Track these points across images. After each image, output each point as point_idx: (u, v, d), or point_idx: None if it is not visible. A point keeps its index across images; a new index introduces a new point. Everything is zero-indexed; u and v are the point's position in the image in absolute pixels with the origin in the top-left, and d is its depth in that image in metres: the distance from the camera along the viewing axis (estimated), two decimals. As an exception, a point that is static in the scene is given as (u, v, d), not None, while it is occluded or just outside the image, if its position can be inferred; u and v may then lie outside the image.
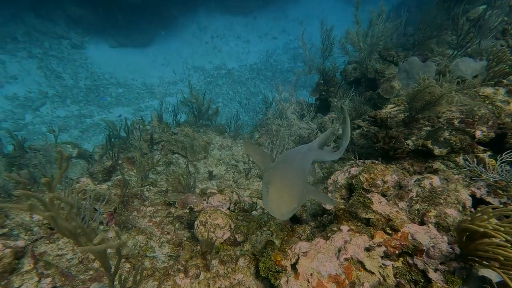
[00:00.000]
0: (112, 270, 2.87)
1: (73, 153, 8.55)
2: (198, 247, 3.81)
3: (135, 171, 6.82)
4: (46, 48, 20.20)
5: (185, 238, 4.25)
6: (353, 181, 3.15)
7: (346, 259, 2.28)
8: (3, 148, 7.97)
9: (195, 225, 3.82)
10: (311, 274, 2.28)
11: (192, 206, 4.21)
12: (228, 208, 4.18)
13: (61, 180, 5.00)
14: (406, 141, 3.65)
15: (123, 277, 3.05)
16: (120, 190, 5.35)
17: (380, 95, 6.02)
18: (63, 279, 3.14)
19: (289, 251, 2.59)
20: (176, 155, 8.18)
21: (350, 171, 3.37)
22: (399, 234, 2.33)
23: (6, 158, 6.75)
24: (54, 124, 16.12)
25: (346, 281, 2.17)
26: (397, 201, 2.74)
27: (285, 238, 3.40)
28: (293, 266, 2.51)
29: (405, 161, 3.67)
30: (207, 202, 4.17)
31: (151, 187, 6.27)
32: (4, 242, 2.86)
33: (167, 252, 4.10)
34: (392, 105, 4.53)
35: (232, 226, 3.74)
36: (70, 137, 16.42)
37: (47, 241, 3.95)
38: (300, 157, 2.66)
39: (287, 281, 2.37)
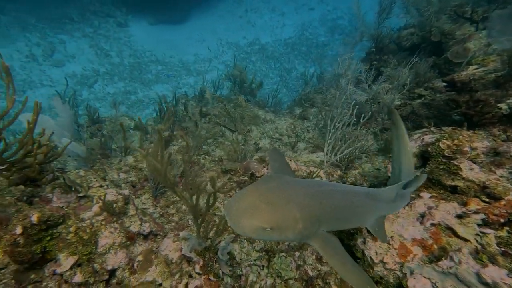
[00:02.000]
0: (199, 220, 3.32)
1: (131, 125, 9.42)
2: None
3: (189, 141, 7.36)
4: (96, 27, 21.48)
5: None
6: (429, 148, 3.09)
7: (433, 225, 2.33)
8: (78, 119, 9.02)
9: (259, 189, 4.15)
10: (391, 237, 2.40)
11: (254, 171, 4.53)
12: None
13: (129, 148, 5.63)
14: (499, 105, 3.36)
15: (203, 229, 3.51)
16: (183, 156, 5.89)
17: (448, 60, 5.50)
18: (156, 226, 3.70)
19: None
20: (223, 128, 8.56)
21: (423, 138, 3.29)
22: (503, 202, 2.29)
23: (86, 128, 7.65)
24: (105, 100, 17.60)
25: (435, 246, 2.24)
26: (493, 168, 2.65)
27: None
28: (370, 229, 2.66)
29: (494, 127, 3.39)
30: (267, 169, 4.45)
31: (206, 156, 6.77)
32: (117, 190, 3.43)
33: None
34: (475, 66, 4.16)
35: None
36: (118, 112, 17.85)
37: (133, 196, 4.59)
38: (347, 192, 1.98)
39: (364, 242, 2.54)
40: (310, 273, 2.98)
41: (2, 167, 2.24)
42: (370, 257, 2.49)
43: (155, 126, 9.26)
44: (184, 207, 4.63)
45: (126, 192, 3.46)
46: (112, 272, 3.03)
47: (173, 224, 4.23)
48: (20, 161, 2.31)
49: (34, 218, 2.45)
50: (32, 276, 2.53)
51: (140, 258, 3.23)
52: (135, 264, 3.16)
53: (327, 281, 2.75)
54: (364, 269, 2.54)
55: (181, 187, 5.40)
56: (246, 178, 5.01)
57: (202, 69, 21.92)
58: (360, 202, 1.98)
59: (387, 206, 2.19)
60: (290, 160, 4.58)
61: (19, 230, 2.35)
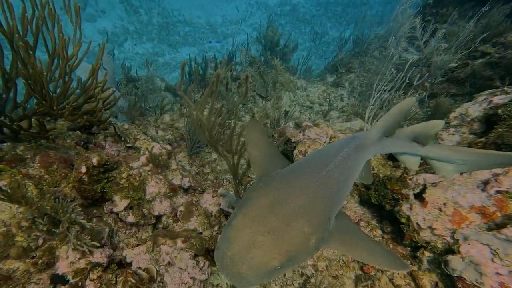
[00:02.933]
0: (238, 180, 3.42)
1: (162, 86, 9.53)
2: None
3: (221, 104, 7.38)
4: (125, -20, 20.89)
5: (279, 167, 4.69)
6: (499, 111, 2.78)
7: (498, 192, 2.23)
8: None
9: (294, 154, 4.12)
10: (444, 204, 2.32)
11: (289, 136, 4.50)
12: (324, 142, 4.34)
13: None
14: None
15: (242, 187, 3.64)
16: (215, 118, 5.96)
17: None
18: (194, 181, 3.89)
19: (409, 181, 2.67)
20: (254, 92, 8.40)
21: (491, 100, 2.97)
22: None
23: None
24: (134, 60, 17.75)
25: (498, 213, 2.16)
26: None
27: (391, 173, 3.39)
28: (418, 195, 2.59)
29: None
30: (303, 134, 4.38)
31: (237, 121, 6.81)
32: (161, 144, 3.59)
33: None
34: None
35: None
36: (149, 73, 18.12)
37: (175, 151, 4.77)
38: (338, 160, 1.67)
39: (410, 208, 2.51)
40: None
41: (67, 111, 2.37)
42: (417, 223, 2.47)
43: (183, 89, 9.29)
44: (218, 167, 4.78)
45: (169, 147, 3.60)
46: (158, 218, 3.29)
47: (209, 182, 4.42)
48: (82, 105, 2.43)
49: (95, 160, 2.64)
50: (94, 211, 2.81)
51: (182, 208, 3.46)
52: (178, 213, 3.40)
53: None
54: (408, 234, 2.54)
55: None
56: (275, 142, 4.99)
57: (229, 32, 21.05)
58: (352, 162, 1.77)
59: (374, 149, 1.99)
60: (328, 127, 4.44)
61: (83, 169, 2.56)
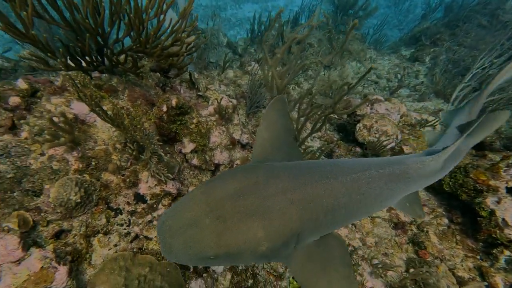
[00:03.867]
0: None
1: (223, 42, 9.50)
2: (357, 149, 4.00)
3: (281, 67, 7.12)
4: None
5: (335, 139, 4.53)
6: None
7: None
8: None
9: (357, 128, 3.89)
10: None
11: (356, 110, 4.22)
12: (395, 119, 3.98)
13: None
14: None
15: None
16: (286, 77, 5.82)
17: None
18: (252, 139, 3.99)
19: (503, 173, 2.33)
20: (318, 60, 7.86)
21: None
22: None
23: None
24: (196, 11, 17.77)
25: None
26: None
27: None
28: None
29: None
30: (370, 108, 4.06)
31: (296, 87, 6.57)
32: (228, 97, 3.70)
33: (319, 146, 4.55)
34: None
35: (399, 137, 3.62)
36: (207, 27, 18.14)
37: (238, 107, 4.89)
38: (361, 178, 1.45)
39: (498, 202, 2.24)
40: (402, 218, 2.90)
41: (158, 50, 2.52)
42: (503, 219, 2.22)
43: (244, 47, 9.12)
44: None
45: (235, 101, 3.67)
46: (217, 166, 3.53)
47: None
48: (169, 47, 2.55)
49: (174, 102, 2.85)
50: (167, 148, 3.14)
51: (238, 162, 3.64)
52: (234, 165, 3.60)
53: (424, 229, 2.64)
54: (486, 229, 2.31)
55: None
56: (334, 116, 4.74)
57: (295, -9, 19.28)
58: (377, 189, 1.48)
59: (421, 182, 1.72)
60: (401, 103, 4.00)
61: (164, 108, 2.80)
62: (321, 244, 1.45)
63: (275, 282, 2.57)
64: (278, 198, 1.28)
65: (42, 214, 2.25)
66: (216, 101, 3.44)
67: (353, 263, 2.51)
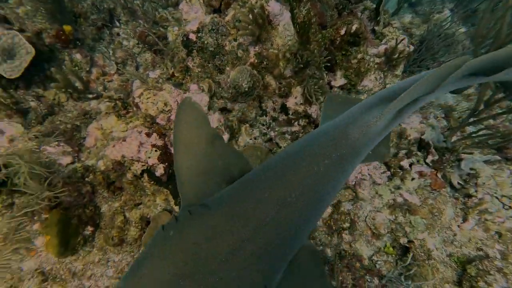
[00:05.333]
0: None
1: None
2: None
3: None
4: None
5: None
6: None
7: None
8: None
9: None
10: None
11: None
12: None
13: None
14: None
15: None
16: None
17: None
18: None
19: None
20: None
21: None
22: None
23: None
24: None
25: None
26: None
27: None
28: None
29: None
30: None
31: None
32: (406, 41, 3.18)
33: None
34: None
35: None
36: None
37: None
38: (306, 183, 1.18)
39: None
40: None
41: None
42: None
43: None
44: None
45: (412, 48, 3.12)
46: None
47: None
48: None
49: (354, 27, 2.65)
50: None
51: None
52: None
53: None
54: None
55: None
56: None
57: None
58: (331, 182, 1.30)
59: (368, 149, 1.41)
60: None
61: (342, 31, 2.66)
62: (294, 268, 1.28)
63: None
64: (226, 267, 1.06)
65: (220, 88, 2.80)
66: (393, 40, 3.00)
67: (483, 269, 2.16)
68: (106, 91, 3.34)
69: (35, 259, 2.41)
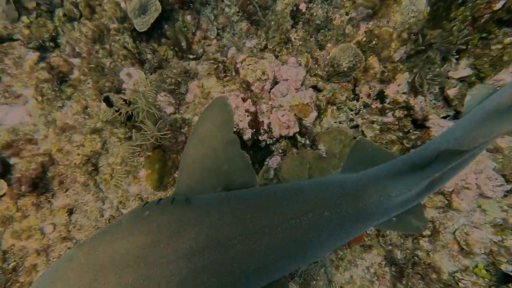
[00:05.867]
0: None
1: None
2: None
3: None
4: None
5: None
6: None
7: None
8: None
9: None
10: None
11: None
12: None
13: None
14: None
15: None
16: None
17: None
18: None
19: None
20: None
21: None
22: None
23: None
24: None
25: None
26: None
27: None
28: None
29: None
30: None
31: None
32: None
33: None
34: None
35: None
36: None
37: None
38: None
39: None
40: None
41: None
42: None
43: None
44: None
45: None
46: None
47: None
48: None
49: None
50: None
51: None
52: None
53: None
54: None
55: None
56: None
57: None
58: (325, 234, 1.19)
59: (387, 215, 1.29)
60: None
61: (499, 4, 2.17)
62: None
63: None
64: (177, 266, 1.01)
65: (316, 65, 2.71)
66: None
67: None
68: (205, 54, 3.61)
69: (137, 186, 2.95)
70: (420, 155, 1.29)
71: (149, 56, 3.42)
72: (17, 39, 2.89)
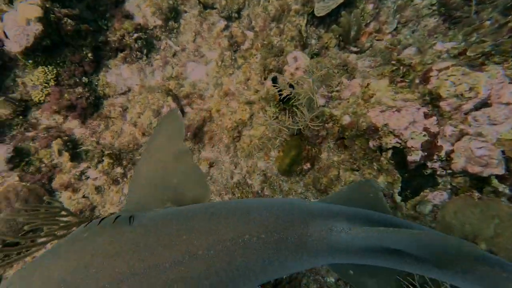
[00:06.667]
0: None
1: None
2: None
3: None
4: None
5: None
6: None
7: None
8: None
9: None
10: None
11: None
12: None
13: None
14: None
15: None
16: None
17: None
18: None
19: None
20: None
21: None
22: None
23: None
24: None
25: None
26: None
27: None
28: None
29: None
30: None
31: None
32: None
33: None
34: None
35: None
36: None
37: None
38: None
39: None
40: None
41: None
42: None
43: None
44: None
45: None
46: None
47: None
48: None
49: None
50: None
51: None
52: None
53: None
54: None
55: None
56: None
57: None
58: (258, 262, 1.07)
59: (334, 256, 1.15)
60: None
61: None
62: None
63: None
64: None
65: None
66: None
67: None
68: (370, 49, 3.24)
69: (265, 163, 3.08)
70: (390, 221, 1.13)
71: (313, 41, 3.35)
72: (215, 8, 3.34)
